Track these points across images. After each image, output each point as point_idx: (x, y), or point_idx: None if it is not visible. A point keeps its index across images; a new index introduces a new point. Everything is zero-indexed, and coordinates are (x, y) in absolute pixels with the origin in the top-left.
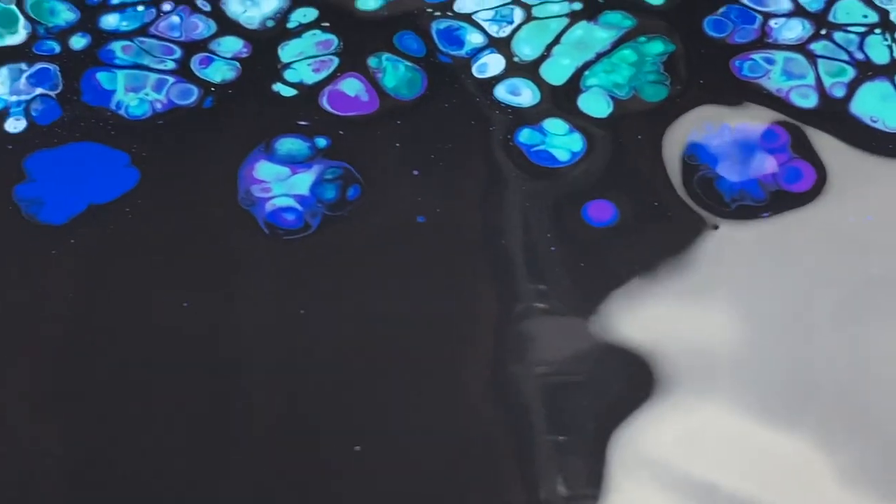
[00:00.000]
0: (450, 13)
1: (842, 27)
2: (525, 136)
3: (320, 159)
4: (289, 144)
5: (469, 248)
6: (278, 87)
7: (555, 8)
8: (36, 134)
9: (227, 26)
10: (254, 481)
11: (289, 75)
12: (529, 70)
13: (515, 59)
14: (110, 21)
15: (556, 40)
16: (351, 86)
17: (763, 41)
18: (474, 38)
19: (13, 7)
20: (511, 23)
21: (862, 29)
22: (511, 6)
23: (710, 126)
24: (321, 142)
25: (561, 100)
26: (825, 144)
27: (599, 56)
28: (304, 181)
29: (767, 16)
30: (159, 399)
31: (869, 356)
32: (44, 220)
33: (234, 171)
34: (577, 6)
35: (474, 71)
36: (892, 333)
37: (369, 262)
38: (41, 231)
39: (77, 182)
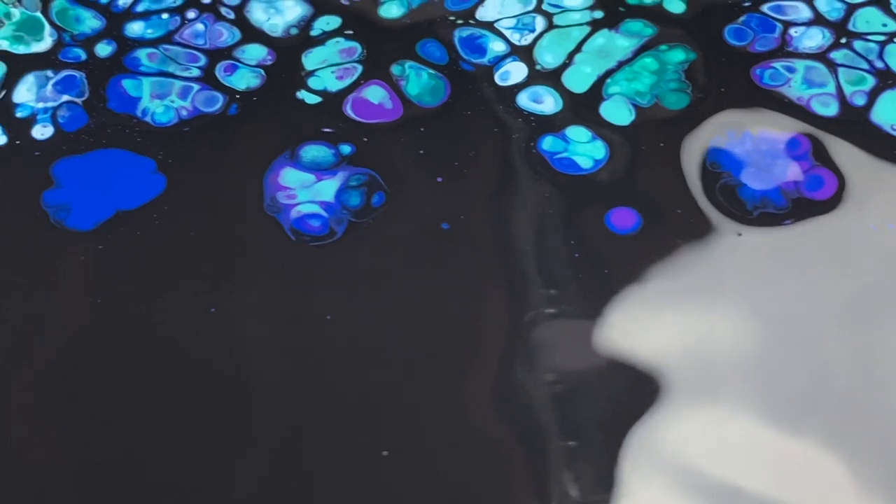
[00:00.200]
0: (472, 21)
1: (861, 36)
2: (548, 143)
3: (345, 166)
4: (314, 151)
5: (494, 255)
6: (302, 95)
7: (576, 16)
8: (63, 140)
9: (251, 34)
10: (279, 485)
11: (313, 83)
12: (551, 78)
13: (537, 67)
14: (135, 29)
15: (578, 48)
16: (374, 93)
17: (783, 50)
18: (496, 46)
19: (39, 14)
20: (533, 31)
21: (882, 38)
22: (532, 14)
23: (731, 134)
24: (346, 149)
25: (583, 108)
26: (846, 152)
27: (621, 64)
28: (329, 188)
29: (787, 24)
30: (187, 404)
31: (891, 364)
32: (71, 226)
33: (260, 178)
34: (599, 14)
35: (497, 79)
36: None
37: (395, 269)
38: (69, 237)
39: (104, 188)
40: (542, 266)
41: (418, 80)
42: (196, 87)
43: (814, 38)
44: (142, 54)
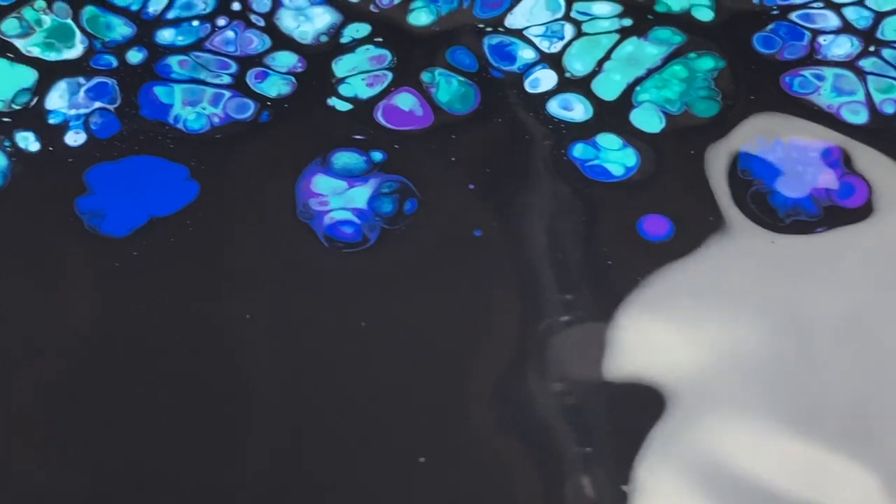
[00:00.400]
0: (501, 29)
1: (890, 44)
2: (579, 150)
3: (377, 173)
4: (345, 158)
5: (526, 263)
6: (333, 102)
7: (605, 24)
8: (96, 147)
9: (282, 41)
10: (320, 488)
11: (343, 90)
12: (581, 85)
13: (567, 75)
14: (166, 36)
15: (607, 56)
16: (405, 100)
17: (812, 57)
18: (526, 54)
19: (69, 21)
20: (562, 38)
21: None
22: (561, 22)
23: (762, 141)
24: (377, 156)
25: (613, 115)
26: (876, 160)
27: (650, 72)
28: (361, 195)
29: (816, 32)
30: (224, 409)
31: None
32: (106, 232)
33: (292, 185)
34: (627, 22)
35: (527, 86)
36: None
37: (429, 276)
38: (104, 243)
39: (138, 195)
40: (575, 273)
41: (448, 88)
42: (227, 94)
43: (842, 47)
44: (173, 61)
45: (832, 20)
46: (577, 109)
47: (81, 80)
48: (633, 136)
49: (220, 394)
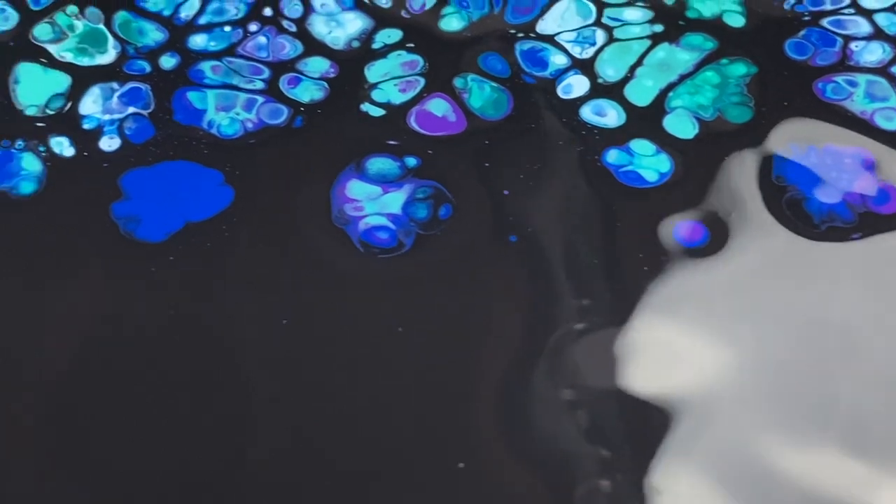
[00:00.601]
0: (532, 34)
1: None
2: (612, 156)
3: (411, 178)
4: (379, 164)
5: (562, 268)
6: (367, 107)
7: (636, 30)
8: (130, 152)
9: (314, 47)
10: (356, 491)
11: (376, 95)
12: (614, 91)
13: (599, 81)
14: (198, 41)
15: (639, 62)
16: (438, 106)
17: (844, 64)
18: (558, 60)
19: (102, 27)
20: (593, 44)
21: None
22: (593, 28)
23: (796, 147)
24: (411, 161)
25: (646, 121)
26: None
27: (682, 78)
28: (396, 200)
29: (848, 39)
30: (261, 414)
31: None
32: (142, 237)
33: (327, 190)
34: (659, 28)
35: (559, 92)
36: None
37: (465, 281)
38: (140, 248)
39: (173, 200)
40: (612, 279)
41: (481, 93)
42: (260, 99)
43: (874, 53)
44: (206, 67)
45: (864, 26)
46: (609, 115)
47: (115, 85)
48: (666, 141)
49: (257, 398)
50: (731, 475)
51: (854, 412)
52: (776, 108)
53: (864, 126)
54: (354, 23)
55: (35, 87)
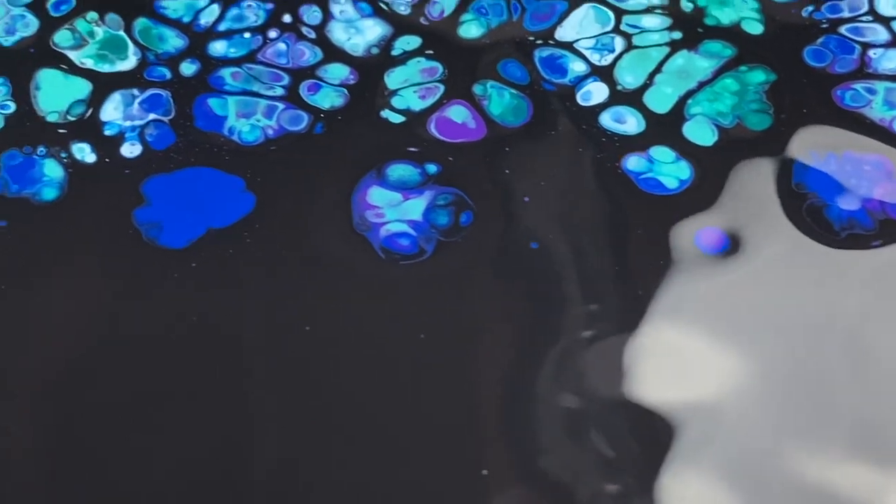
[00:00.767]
0: (551, 41)
1: None
2: (632, 163)
3: (431, 185)
4: (400, 170)
5: (583, 274)
6: (386, 114)
7: (654, 37)
8: (152, 158)
9: (333, 53)
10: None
11: (396, 102)
12: (633, 98)
13: (619, 88)
14: (218, 48)
15: (658, 69)
16: (458, 113)
17: (863, 71)
18: (577, 67)
19: (122, 33)
20: (612, 51)
21: None
22: (611, 35)
23: (815, 155)
24: (431, 168)
25: (666, 128)
26: None
27: (701, 85)
28: (416, 207)
29: (866, 46)
30: (283, 419)
31: None
32: (164, 243)
33: (348, 197)
34: (677, 35)
35: (579, 99)
36: None
37: (487, 288)
38: (162, 255)
39: (195, 206)
40: (634, 286)
41: (500, 100)
42: (281, 106)
43: (893, 60)
44: (226, 73)
45: (882, 34)
46: (629, 122)
47: (136, 91)
48: (686, 148)
49: (280, 404)
50: (742, 482)
51: (867, 420)
52: (795, 116)
53: (883, 133)
54: (373, 29)
55: (56, 94)
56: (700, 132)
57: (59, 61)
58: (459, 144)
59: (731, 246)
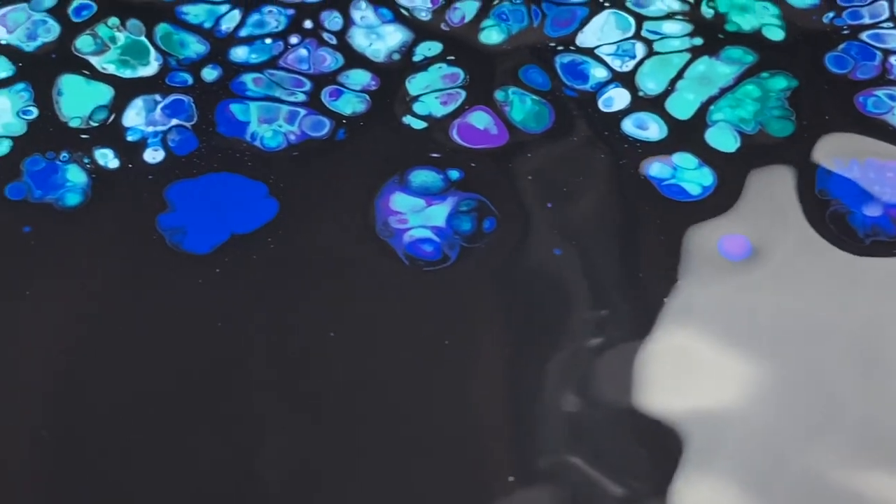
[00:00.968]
0: (572, 47)
1: None
2: (655, 169)
3: (454, 191)
4: (422, 176)
5: (606, 281)
6: (408, 120)
7: (675, 43)
8: (175, 164)
9: (354, 59)
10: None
11: (418, 108)
12: (655, 104)
13: (640, 94)
14: (239, 54)
15: (680, 75)
16: (480, 119)
17: (885, 77)
18: (598, 73)
19: (143, 39)
20: (633, 57)
21: None
22: (632, 41)
23: (839, 161)
24: (454, 174)
25: (688, 134)
26: None
27: (723, 91)
28: (439, 213)
29: (887, 53)
30: (308, 425)
31: None
32: (188, 249)
33: (370, 203)
34: (698, 41)
35: (600, 105)
36: None
37: (511, 293)
38: (187, 260)
39: (218, 212)
40: (656, 292)
41: (522, 106)
42: (303, 111)
43: None
44: (247, 79)
45: None
46: (651, 128)
47: (158, 97)
48: (708, 155)
49: (304, 409)
50: (753, 490)
51: (883, 429)
52: (817, 122)
53: None
54: (394, 35)
55: (78, 99)
56: (722, 138)
57: (80, 67)
58: (481, 150)
59: (754, 253)
